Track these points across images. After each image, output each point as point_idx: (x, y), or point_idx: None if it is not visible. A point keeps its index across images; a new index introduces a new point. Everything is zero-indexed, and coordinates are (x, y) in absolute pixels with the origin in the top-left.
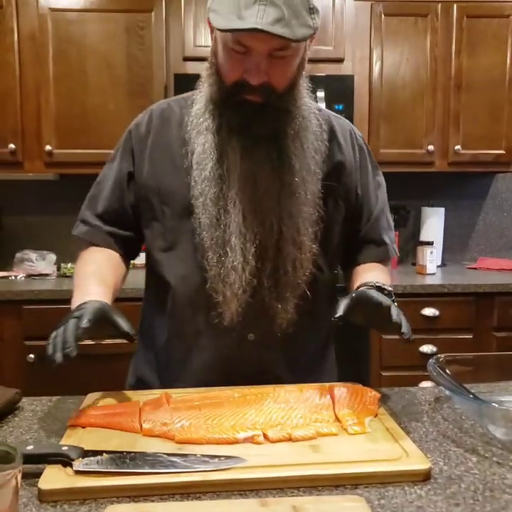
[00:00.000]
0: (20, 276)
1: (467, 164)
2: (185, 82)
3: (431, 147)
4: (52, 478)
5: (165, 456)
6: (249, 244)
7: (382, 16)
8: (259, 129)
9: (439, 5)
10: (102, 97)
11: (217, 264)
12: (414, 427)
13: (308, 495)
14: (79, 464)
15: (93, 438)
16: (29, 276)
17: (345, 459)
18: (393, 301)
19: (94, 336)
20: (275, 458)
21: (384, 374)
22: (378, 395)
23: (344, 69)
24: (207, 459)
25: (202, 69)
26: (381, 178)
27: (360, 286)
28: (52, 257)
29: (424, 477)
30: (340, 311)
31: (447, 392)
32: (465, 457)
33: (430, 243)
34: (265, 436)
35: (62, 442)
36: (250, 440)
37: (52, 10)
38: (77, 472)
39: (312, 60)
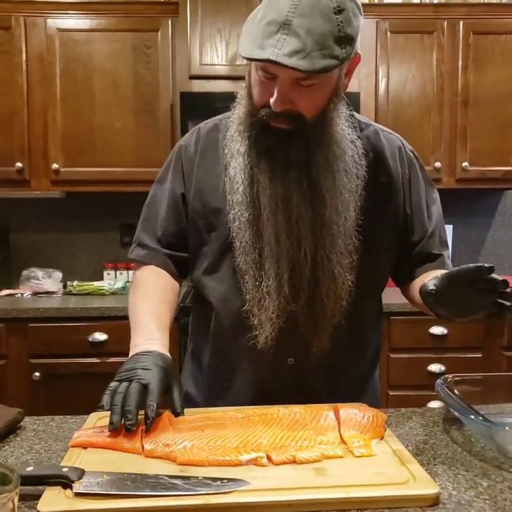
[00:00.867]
0: (27, 294)
1: (475, 181)
2: (192, 101)
3: (438, 164)
4: (52, 500)
5: (166, 478)
6: (284, 270)
7: (388, 33)
8: (287, 153)
9: (445, 22)
10: (108, 116)
11: (253, 288)
12: (422, 449)
13: None
14: (79, 486)
15: (94, 459)
16: (35, 294)
17: (350, 482)
18: None
19: None
20: (279, 481)
21: (391, 393)
22: (385, 416)
23: (350, 86)
24: (209, 481)
25: (207, 87)
26: (436, 195)
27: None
28: (58, 274)
29: (432, 502)
30: (431, 285)
31: (456, 414)
32: (475, 482)
33: None
34: (269, 458)
35: (63, 463)
36: (254, 462)
37: (60, 30)
38: (77, 494)
39: None
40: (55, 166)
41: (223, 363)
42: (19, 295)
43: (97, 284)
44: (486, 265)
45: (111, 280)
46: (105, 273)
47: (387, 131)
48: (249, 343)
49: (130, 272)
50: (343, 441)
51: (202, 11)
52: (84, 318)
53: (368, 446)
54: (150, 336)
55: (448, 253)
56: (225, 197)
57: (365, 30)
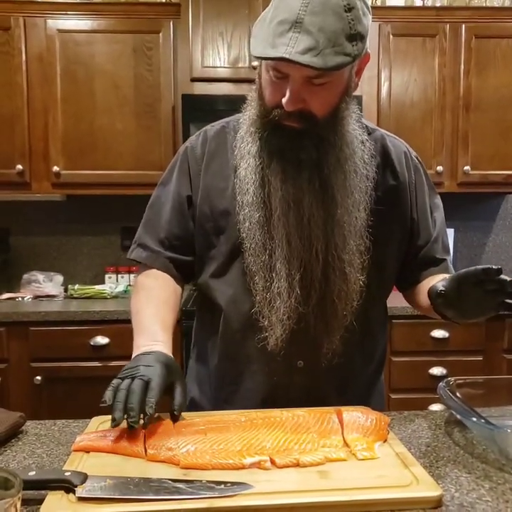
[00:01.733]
0: (28, 297)
1: (476, 185)
2: (193, 103)
3: (440, 168)
4: (54, 505)
5: (170, 482)
6: (295, 271)
7: (390, 36)
8: (299, 153)
9: (448, 25)
10: (109, 118)
11: (264, 290)
12: (424, 452)
13: None
14: (82, 490)
15: (97, 463)
16: (36, 297)
17: (354, 485)
18: None
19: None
20: (282, 484)
21: (393, 396)
22: (388, 419)
23: None
24: (212, 485)
25: (209, 90)
26: (438, 201)
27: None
28: (59, 278)
29: (435, 504)
30: (441, 286)
31: (458, 416)
32: (477, 484)
33: None
34: (272, 461)
35: (65, 467)
36: (257, 466)
37: (60, 31)
38: (80, 499)
39: None
40: (55, 168)
41: (231, 367)
42: (20, 299)
43: (98, 287)
44: (493, 267)
45: (112, 284)
46: (107, 276)
47: (393, 136)
48: (258, 345)
49: (131, 276)
50: (346, 444)
51: (204, 13)
52: (85, 322)
53: (371, 449)
54: (153, 337)
55: (450, 258)
56: (234, 199)
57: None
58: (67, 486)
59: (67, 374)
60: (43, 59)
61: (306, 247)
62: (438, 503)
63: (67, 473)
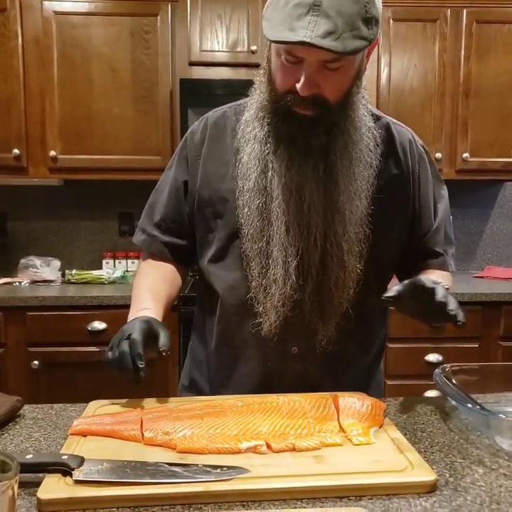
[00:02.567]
0: (25, 282)
1: (475, 172)
2: (191, 87)
3: (439, 155)
4: (52, 487)
5: (166, 465)
6: (292, 258)
7: (391, 21)
8: (309, 141)
9: (449, 10)
10: (106, 102)
11: (260, 276)
12: (419, 437)
13: (312, 506)
14: (79, 474)
15: (94, 447)
16: (33, 282)
17: (349, 469)
18: (447, 289)
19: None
20: (278, 468)
21: (389, 383)
22: (383, 405)
23: None
24: (209, 469)
25: (207, 74)
26: (444, 191)
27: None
28: (56, 263)
29: (429, 489)
30: (391, 292)
31: (453, 403)
32: (471, 469)
33: None
34: (268, 446)
35: (62, 451)
36: (253, 450)
37: (57, 13)
38: (77, 482)
39: None
40: (52, 153)
41: (228, 351)
42: (17, 283)
43: (95, 272)
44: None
45: (110, 269)
46: (104, 262)
47: (399, 124)
48: (253, 331)
49: (129, 261)
50: (342, 430)
51: None
52: (83, 307)
53: (367, 434)
54: (141, 306)
55: (452, 251)
56: (233, 184)
57: None
58: (64, 469)
59: (65, 359)
60: (40, 42)
61: (305, 235)
62: (432, 487)
63: (64, 457)
